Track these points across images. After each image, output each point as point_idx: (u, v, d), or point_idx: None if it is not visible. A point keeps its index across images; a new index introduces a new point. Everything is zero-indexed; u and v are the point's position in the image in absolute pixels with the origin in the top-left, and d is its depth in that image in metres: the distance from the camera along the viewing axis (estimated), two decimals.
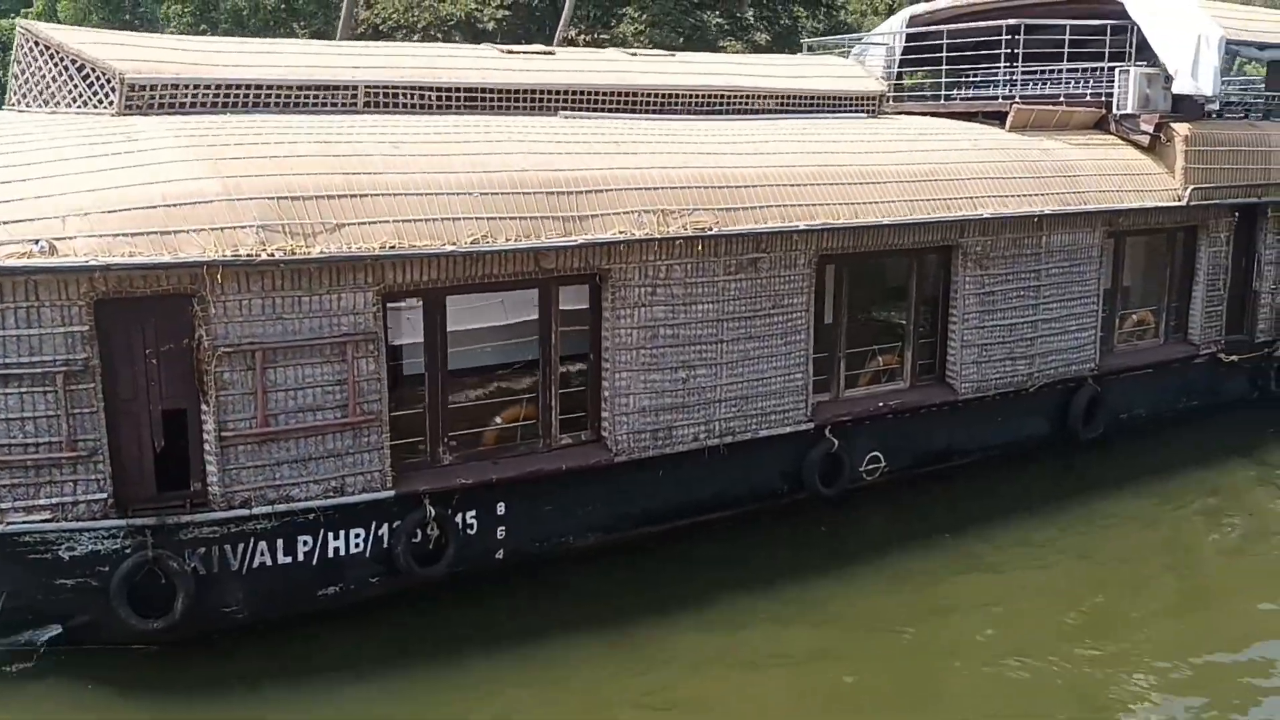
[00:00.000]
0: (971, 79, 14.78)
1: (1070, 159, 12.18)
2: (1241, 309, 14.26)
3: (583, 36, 23.37)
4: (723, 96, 11.23)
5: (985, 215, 11.00)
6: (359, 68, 9.39)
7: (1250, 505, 12.11)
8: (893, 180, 10.66)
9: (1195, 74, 12.36)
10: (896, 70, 15.36)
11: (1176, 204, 12.56)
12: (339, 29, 22.55)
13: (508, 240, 8.25)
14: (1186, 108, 12.93)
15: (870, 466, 11.07)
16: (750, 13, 26.05)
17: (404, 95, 9.48)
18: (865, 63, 15.71)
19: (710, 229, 9.26)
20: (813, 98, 11.93)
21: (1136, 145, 12.85)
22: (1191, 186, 12.58)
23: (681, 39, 24.84)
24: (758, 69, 12.08)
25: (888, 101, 12.96)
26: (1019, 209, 11.33)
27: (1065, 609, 9.38)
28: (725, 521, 10.21)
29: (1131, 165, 12.61)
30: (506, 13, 25.30)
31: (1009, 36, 13.08)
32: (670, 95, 10.95)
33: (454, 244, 8.03)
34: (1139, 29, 12.79)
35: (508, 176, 8.50)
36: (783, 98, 11.65)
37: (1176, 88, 12.52)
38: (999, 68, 13.58)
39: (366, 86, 9.30)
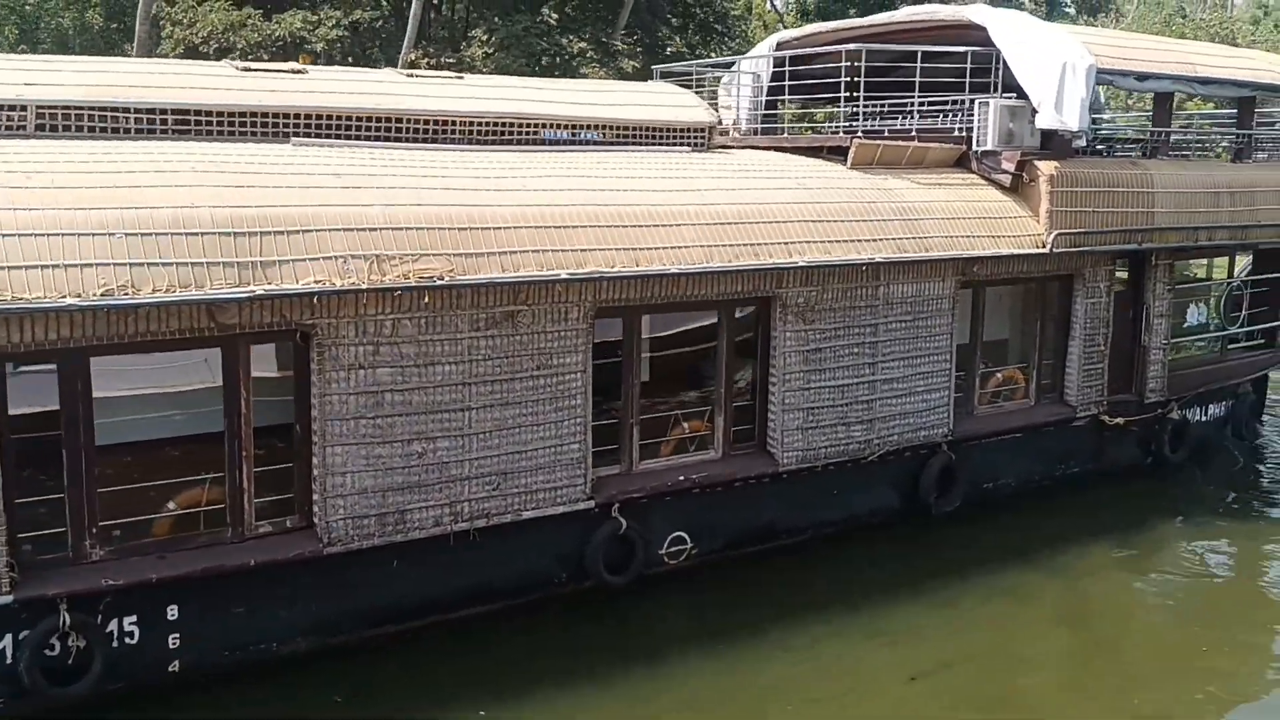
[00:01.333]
0: (836, 110, 13.50)
1: (916, 200, 10.86)
2: (1129, 366, 12.94)
3: (428, 60, 21.97)
4: (512, 124, 9.88)
5: (801, 263, 9.64)
6: (33, 85, 7.97)
7: (1119, 586, 10.73)
8: (694, 222, 9.29)
9: (1060, 106, 11.08)
10: (764, 100, 14.09)
11: (1039, 251, 11.24)
12: (134, 47, 20.92)
13: (156, 290, 6.80)
14: (1057, 144, 11.66)
15: (673, 549, 9.62)
16: (620, 38, 24.57)
17: (90, 116, 8.06)
18: (732, 92, 14.49)
19: (440, 278, 7.84)
20: (626, 128, 10.60)
21: (998, 185, 11.55)
22: (1056, 231, 11.27)
23: (535, 63, 23.59)
24: (565, 95, 10.73)
25: (720, 133, 11.66)
26: (845, 256, 9.97)
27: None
28: (484, 618, 8.74)
29: (991, 207, 11.30)
30: (343, 34, 23.66)
31: (849, 64, 11.78)
32: (446, 121, 9.59)
33: (78, 296, 6.58)
34: (1004, 57, 11.54)
35: (169, 214, 7.06)
36: (586, 127, 10.32)
37: (1040, 121, 11.24)
38: (857, 97, 12.30)
39: (39, 106, 7.88)
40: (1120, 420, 12.62)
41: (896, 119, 12.33)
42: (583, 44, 24.09)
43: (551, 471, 8.72)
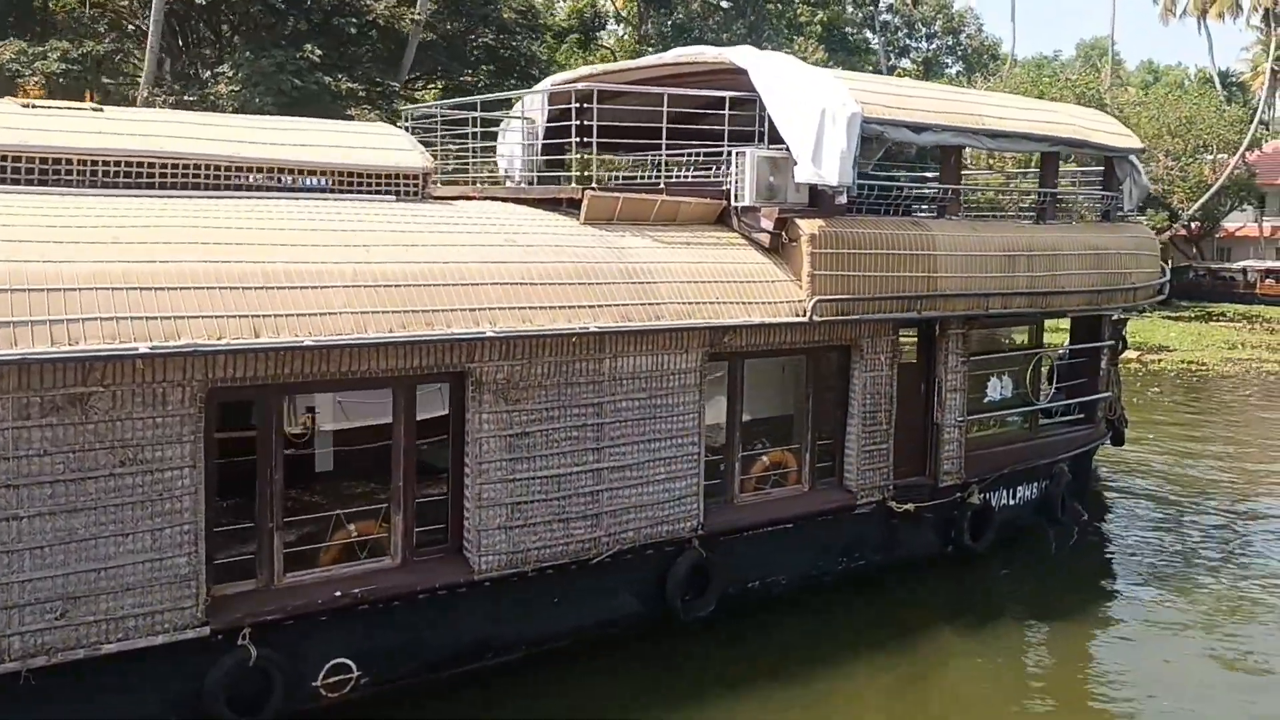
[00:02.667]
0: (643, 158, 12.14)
1: (655, 261, 9.48)
2: (920, 446, 11.69)
3: (166, 98, 20.20)
4: (158, 166, 8.26)
5: (490, 333, 8.13)
6: None
7: (896, 696, 9.29)
8: (349, 284, 7.72)
9: (818, 158, 9.86)
10: (541, 145, 12.68)
11: (798, 319, 9.93)
12: None
13: None
14: (826, 201, 10.43)
15: (334, 680, 7.91)
16: (404, 81, 23.08)
17: None
18: (506, 138, 13.13)
19: None
20: (315, 171, 9.06)
21: (759, 246, 10.27)
22: (818, 298, 9.99)
23: (284, 102, 21.99)
24: (249, 135, 9.14)
25: (489, 182, 10.20)
26: (553, 325, 8.50)
27: None
28: None
29: (747, 270, 9.98)
30: (72, 66, 21.67)
31: (581, 105, 10.44)
32: (84, 161, 7.94)
33: None
34: (765, 104, 10.33)
35: None
36: (262, 170, 8.76)
37: (798, 175, 10.01)
38: (630, 145, 10.96)
39: None
40: (911, 506, 11.32)
41: (672, 171, 10.98)
42: (351, 84, 22.52)
43: (146, 592, 6.99)
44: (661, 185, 10.48)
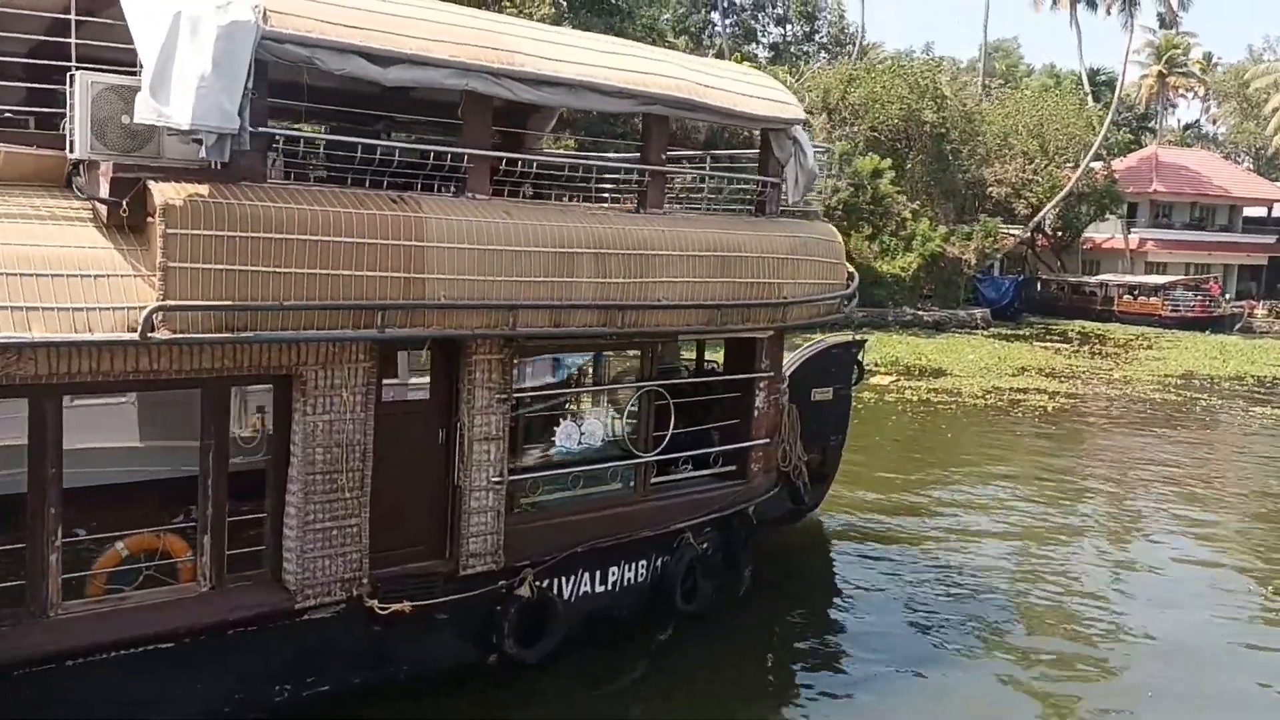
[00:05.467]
0: None
1: None
2: (437, 519, 8.30)
3: None
4: None
5: None
6: None
7: None
8: None
9: (162, 86, 6.37)
10: None
11: (127, 337, 6.41)
12: None
13: None
14: (242, 163, 6.95)
15: None
16: None
17: None
18: None
19: None
20: None
21: (101, 219, 6.75)
22: (167, 303, 6.49)
23: None
24: None
25: None
26: None
27: None
28: None
29: (71, 258, 6.43)
30: None
31: None
32: None
33: None
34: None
35: None
36: None
37: (137, 112, 6.48)
38: None
39: None
40: (406, 606, 7.90)
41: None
42: None
43: None
44: None
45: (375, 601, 7.82)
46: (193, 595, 7.19)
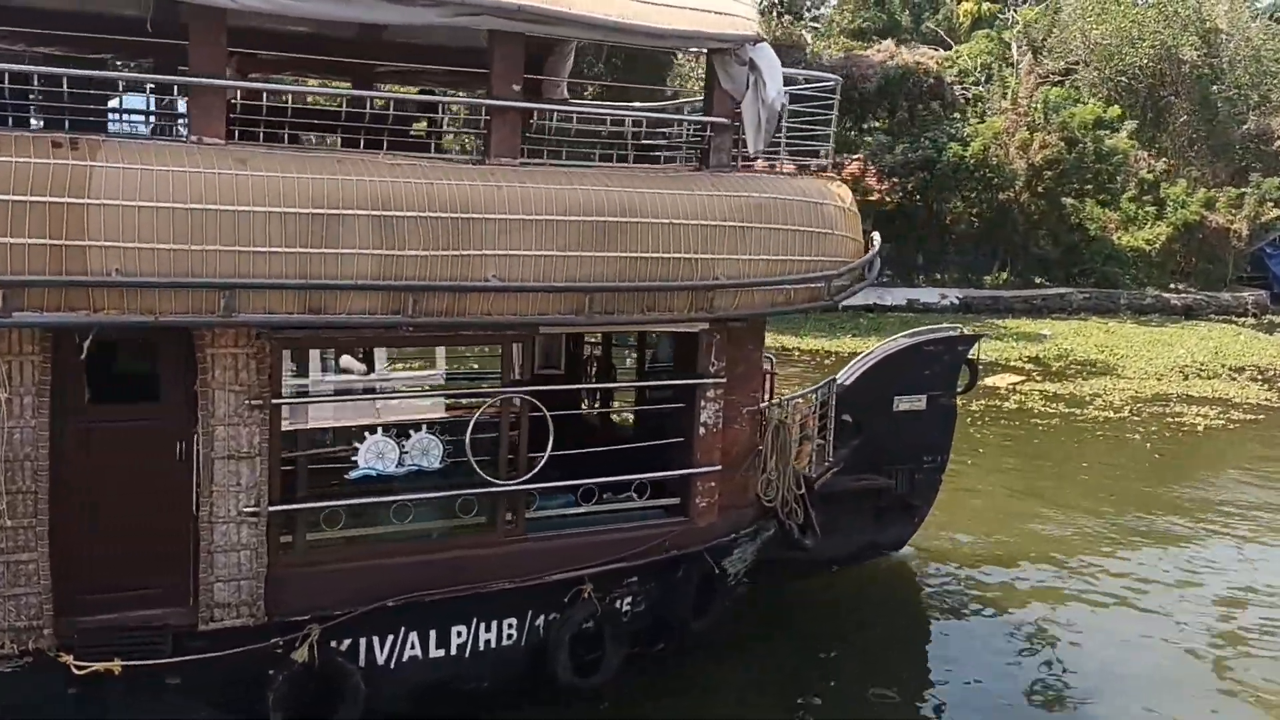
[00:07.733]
0: None
1: None
2: (172, 559, 6.53)
3: None
4: None
5: None
6: None
7: None
8: None
9: None
10: None
11: None
12: None
13: None
14: None
15: None
16: None
17: None
18: None
19: None
20: None
21: None
22: None
23: None
24: None
25: None
26: None
27: None
28: None
29: None
30: None
31: None
32: None
33: None
34: None
35: None
36: None
37: None
38: None
39: None
40: (117, 665, 6.21)
41: None
42: None
43: None
44: None
45: (70, 657, 6.18)
46: None
